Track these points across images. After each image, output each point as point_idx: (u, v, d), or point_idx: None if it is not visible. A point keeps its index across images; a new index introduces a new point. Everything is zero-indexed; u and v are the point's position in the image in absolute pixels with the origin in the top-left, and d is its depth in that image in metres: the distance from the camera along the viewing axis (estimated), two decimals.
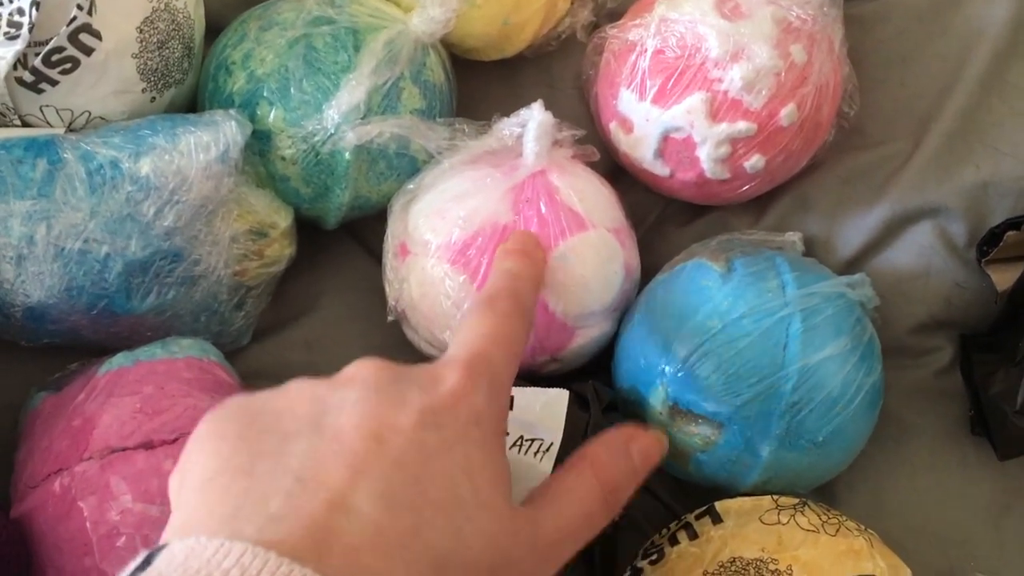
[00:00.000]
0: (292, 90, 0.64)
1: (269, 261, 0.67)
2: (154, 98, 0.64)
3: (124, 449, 0.57)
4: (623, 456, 0.52)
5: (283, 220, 0.66)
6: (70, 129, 0.62)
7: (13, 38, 0.57)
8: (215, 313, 0.66)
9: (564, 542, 0.47)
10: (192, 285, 0.63)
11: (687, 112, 0.65)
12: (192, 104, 0.70)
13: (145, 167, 0.59)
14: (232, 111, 0.63)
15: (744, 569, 0.58)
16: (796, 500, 0.62)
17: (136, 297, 0.61)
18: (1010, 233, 0.68)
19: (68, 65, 0.59)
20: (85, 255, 0.59)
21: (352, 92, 0.64)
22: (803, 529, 0.60)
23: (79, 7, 0.57)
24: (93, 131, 0.61)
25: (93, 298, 0.60)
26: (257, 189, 0.66)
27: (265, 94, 0.65)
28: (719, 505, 0.63)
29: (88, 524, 0.55)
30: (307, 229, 0.71)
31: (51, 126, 0.61)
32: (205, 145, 0.61)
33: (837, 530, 0.60)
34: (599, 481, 0.49)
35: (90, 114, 0.62)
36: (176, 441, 0.57)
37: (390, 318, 0.68)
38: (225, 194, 0.62)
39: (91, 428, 0.57)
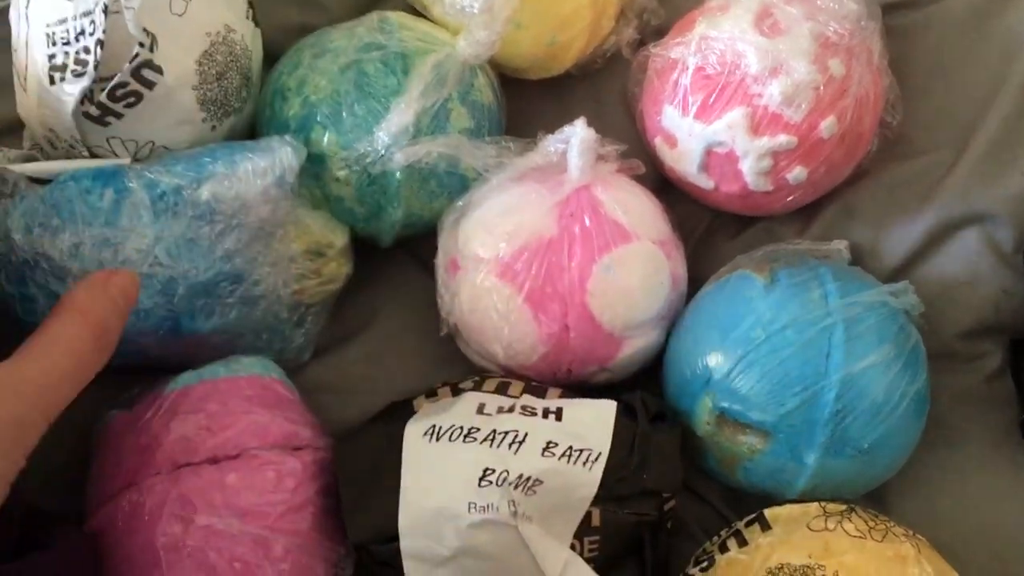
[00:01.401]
0: (344, 114, 0.66)
1: (327, 279, 0.69)
2: (214, 127, 0.67)
3: (190, 464, 0.59)
4: (104, 296, 0.53)
5: (339, 239, 0.69)
6: (135, 159, 0.65)
7: (80, 75, 0.60)
8: (276, 331, 0.68)
9: (57, 386, 0.49)
10: (253, 305, 0.65)
11: (728, 127, 0.66)
12: (251, 130, 0.72)
13: (206, 193, 0.61)
14: (287, 137, 0.65)
15: (791, 575, 0.59)
16: (844, 507, 0.63)
17: (200, 318, 0.63)
18: None
19: (132, 99, 0.62)
20: (151, 279, 0.61)
21: (402, 114, 0.66)
22: (850, 535, 0.61)
23: (141, 44, 0.60)
24: (157, 160, 0.63)
25: (159, 320, 0.62)
26: (313, 211, 0.68)
27: (319, 119, 0.67)
28: (768, 512, 0.64)
29: (156, 538, 0.57)
30: (364, 247, 0.73)
31: (117, 156, 0.64)
32: (262, 171, 0.63)
33: (884, 536, 0.61)
34: (87, 323, 0.51)
35: (154, 144, 0.65)
36: (239, 456, 0.60)
37: (443, 332, 0.70)
38: (282, 216, 0.64)
39: (158, 445, 0.60)
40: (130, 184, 0.61)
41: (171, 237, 0.61)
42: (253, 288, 0.64)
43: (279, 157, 0.64)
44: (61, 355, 0.50)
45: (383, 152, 0.66)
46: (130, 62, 0.60)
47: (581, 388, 0.69)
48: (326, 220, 0.68)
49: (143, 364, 0.65)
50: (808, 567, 0.59)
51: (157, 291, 0.62)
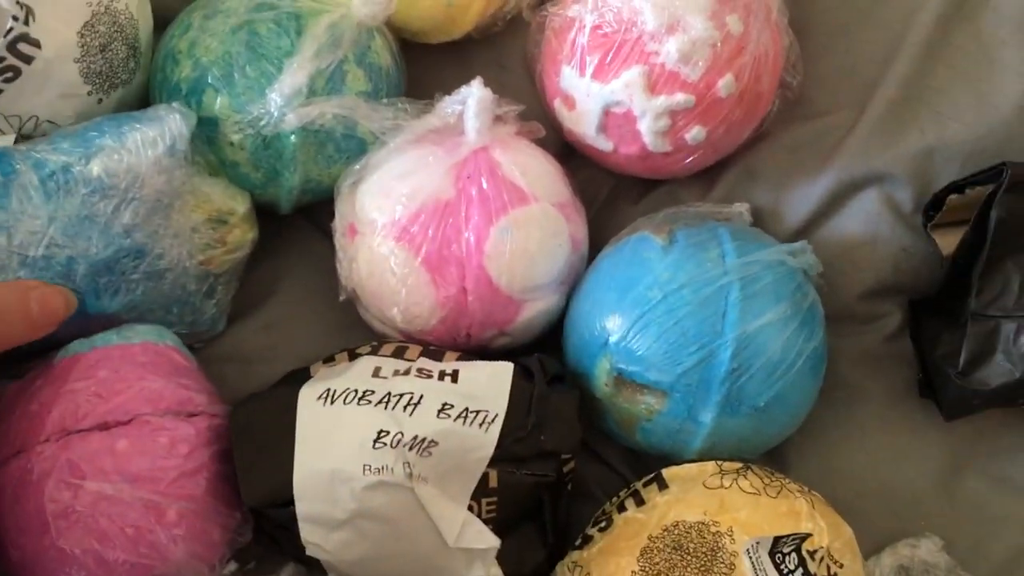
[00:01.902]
0: (236, 76, 0.65)
1: (232, 247, 0.68)
2: (101, 99, 0.65)
3: (80, 431, 0.58)
4: (18, 290, 0.55)
5: (240, 205, 0.67)
6: (21, 135, 0.63)
7: None
8: (186, 304, 0.67)
9: None
10: (159, 279, 0.64)
11: (625, 86, 0.65)
12: (144, 101, 0.70)
13: (96, 168, 0.60)
14: (175, 104, 0.64)
15: (687, 532, 0.59)
16: (739, 465, 0.63)
17: (105, 296, 0.62)
18: (952, 197, 0.69)
19: (10, 74, 0.61)
20: (49, 260, 0.60)
21: (294, 75, 0.65)
22: (745, 492, 0.61)
23: (14, 18, 0.59)
24: (44, 138, 0.62)
25: None
26: (210, 178, 0.67)
27: (210, 81, 0.66)
28: (666, 472, 0.64)
29: (46, 504, 0.57)
30: (264, 215, 0.71)
31: (2, 132, 0.63)
32: (152, 140, 0.62)
33: (778, 492, 0.61)
34: None
35: (38, 119, 0.63)
36: (131, 422, 0.59)
37: (342, 297, 0.69)
38: (178, 186, 0.63)
39: (47, 411, 0.59)
40: (16, 166, 0.60)
41: (65, 216, 0.60)
42: (157, 262, 0.63)
43: (168, 125, 0.63)
44: None
45: (275, 114, 0.65)
46: (3, 36, 0.59)
47: (481, 353, 0.68)
48: (225, 187, 0.67)
49: (49, 347, 0.63)
50: (703, 524, 0.59)
51: (58, 273, 0.60)
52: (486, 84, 0.67)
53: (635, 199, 0.76)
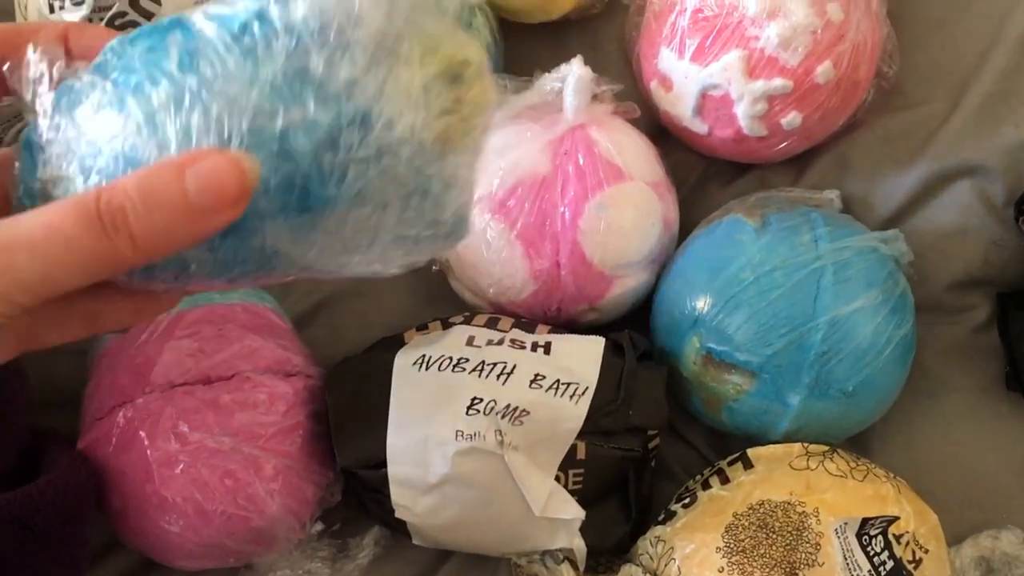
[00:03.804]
0: None
1: (471, 111, 0.47)
2: None
3: (184, 384, 0.60)
4: (170, 171, 0.39)
5: (475, 54, 0.47)
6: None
7: (79, 3, 0.60)
8: (426, 194, 0.46)
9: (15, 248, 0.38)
10: (394, 156, 0.44)
11: (724, 69, 0.66)
12: None
13: (300, 10, 0.43)
14: None
15: (772, 511, 0.60)
16: (826, 448, 0.64)
17: (332, 182, 0.44)
18: None
19: (130, 30, 0.58)
20: (259, 135, 0.43)
21: None
22: (831, 475, 0.61)
23: None
24: None
25: (284, 189, 0.43)
26: (435, 16, 0.47)
27: None
28: (751, 452, 0.64)
29: (148, 452, 0.58)
30: None
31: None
32: None
33: (865, 476, 0.62)
34: (96, 201, 0.38)
35: None
36: (232, 378, 0.61)
37: (435, 268, 0.70)
38: (401, 25, 0.44)
39: (153, 365, 0.61)
40: (197, 26, 0.44)
41: (270, 76, 0.43)
42: (387, 133, 0.44)
43: None
44: (37, 226, 0.38)
45: None
46: None
47: (569, 327, 0.69)
48: (454, 30, 0.47)
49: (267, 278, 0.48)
50: (789, 503, 0.60)
51: (272, 152, 0.43)
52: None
53: (725, 182, 0.76)
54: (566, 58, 0.71)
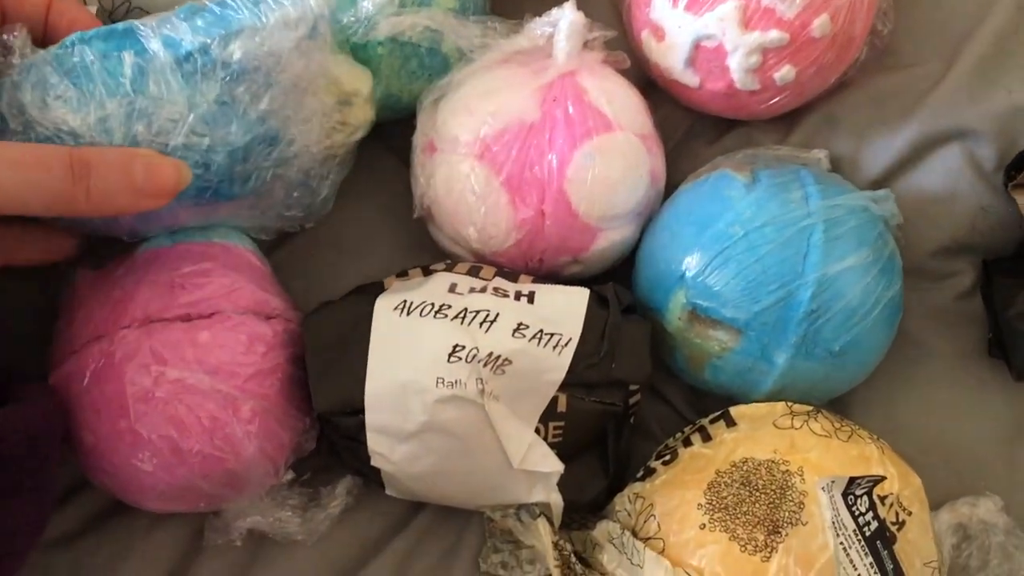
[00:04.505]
0: None
1: (353, 128, 0.65)
2: None
3: (163, 319, 0.58)
4: (124, 156, 0.52)
5: (364, 86, 0.64)
6: (110, 14, 0.62)
7: None
8: (306, 187, 0.64)
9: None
10: (287, 165, 0.61)
11: (719, 19, 0.64)
12: None
13: (236, 51, 0.56)
14: None
15: (756, 469, 0.59)
16: (810, 408, 0.63)
17: (238, 184, 0.59)
18: None
19: None
20: (189, 149, 0.56)
21: None
22: (816, 434, 0.61)
23: None
24: (170, 14, 0.57)
25: (199, 190, 0.58)
26: (336, 56, 0.63)
27: None
28: (733, 410, 0.64)
29: (126, 387, 0.57)
30: None
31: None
32: (294, 22, 0.57)
33: (849, 437, 0.61)
34: (67, 152, 0.50)
35: (130, 2, 0.62)
36: (212, 316, 0.59)
37: (416, 215, 0.69)
38: (315, 69, 0.60)
39: (130, 299, 0.59)
40: (149, 46, 0.55)
41: (205, 103, 0.55)
42: (287, 149, 0.60)
43: (310, 4, 0.58)
44: (22, 152, 0.49)
45: (366, 21, 0.64)
46: None
47: (551, 280, 0.68)
48: (350, 66, 0.64)
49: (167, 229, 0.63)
50: (773, 462, 0.59)
51: (197, 162, 0.56)
52: None
53: (711, 140, 0.75)
54: (553, 3, 0.70)
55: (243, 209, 0.63)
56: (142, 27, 0.55)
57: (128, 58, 0.54)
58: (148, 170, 0.52)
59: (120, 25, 0.55)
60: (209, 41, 0.55)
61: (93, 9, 0.61)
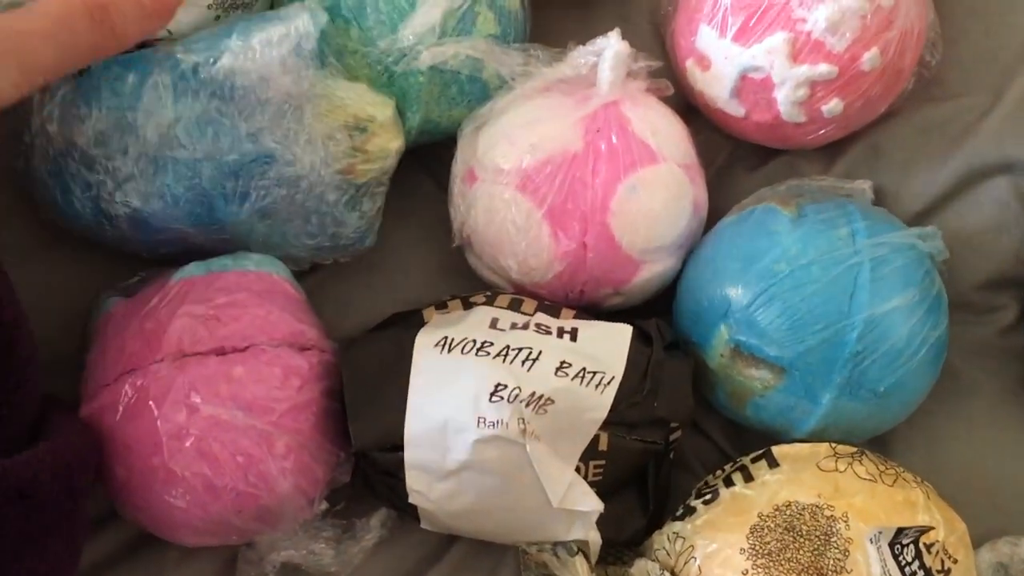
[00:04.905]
0: (368, 8, 0.63)
1: (374, 156, 0.64)
2: (218, 16, 0.63)
3: (197, 353, 0.58)
4: None
5: (381, 112, 0.64)
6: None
7: None
8: (326, 215, 0.64)
9: (33, 37, 0.49)
10: (293, 187, 0.61)
11: (768, 52, 0.63)
12: None
13: (222, 69, 0.58)
14: (308, 2, 0.62)
15: (800, 514, 0.58)
16: (854, 449, 0.62)
17: (234, 202, 0.61)
18: None
19: None
20: (176, 162, 0.59)
21: (428, 13, 0.63)
22: (860, 478, 0.60)
23: None
24: (184, 39, 0.60)
25: (191, 205, 0.60)
26: (348, 82, 0.64)
27: (342, 11, 0.64)
28: (776, 450, 0.62)
29: (159, 424, 0.56)
30: None
31: None
32: (277, 40, 0.59)
33: (894, 480, 0.60)
34: (84, 2, 0.50)
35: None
36: (247, 349, 0.58)
37: (455, 244, 0.68)
38: (308, 89, 0.61)
39: (163, 332, 0.58)
40: (153, 66, 0.59)
41: (191, 117, 0.59)
42: (287, 168, 0.61)
43: (295, 24, 0.60)
44: (49, 23, 0.49)
45: (407, 51, 0.63)
46: None
47: (592, 311, 0.67)
48: (363, 92, 0.64)
49: (189, 254, 0.64)
50: (817, 507, 0.58)
51: (184, 175, 0.59)
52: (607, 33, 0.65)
53: (753, 166, 0.74)
54: (593, 28, 0.69)
55: (255, 235, 0.63)
56: (156, 51, 0.59)
57: (131, 77, 0.58)
58: None
59: (145, 50, 0.60)
60: (200, 60, 0.58)
61: None
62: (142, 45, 0.60)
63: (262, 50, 0.59)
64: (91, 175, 0.59)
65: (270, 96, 0.59)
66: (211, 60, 0.58)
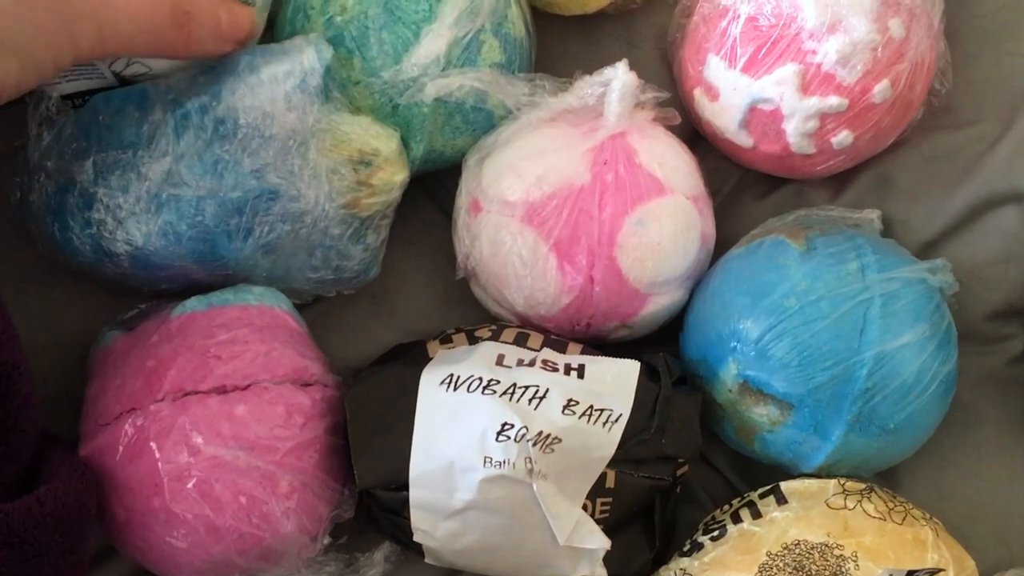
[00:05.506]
0: (371, 39, 0.63)
1: (379, 190, 0.63)
2: None
3: (197, 392, 0.57)
4: (211, 4, 0.56)
5: (386, 146, 0.63)
6: (113, 72, 0.61)
7: None
8: (331, 248, 0.64)
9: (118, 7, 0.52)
10: (296, 222, 0.61)
11: (777, 83, 0.63)
12: None
13: (223, 107, 0.58)
14: (312, 36, 0.61)
15: (809, 553, 0.57)
16: (863, 485, 0.61)
17: (238, 239, 0.60)
18: None
19: None
20: (179, 200, 0.58)
21: (432, 43, 0.62)
22: (869, 516, 0.59)
23: None
24: (184, 76, 0.60)
25: (194, 242, 0.59)
26: (353, 116, 0.63)
27: (345, 42, 0.63)
28: (784, 486, 0.62)
29: (160, 465, 0.55)
30: None
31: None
32: (282, 76, 0.59)
33: (904, 518, 0.59)
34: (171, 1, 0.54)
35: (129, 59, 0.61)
36: (248, 388, 0.57)
37: (459, 275, 0.67)
38: (312, 125, 0.60)
39: (164, 370, 0.57)
40: (155, 104, 0.58)
41: (193, 155, 0.58)
42: (292, 204, 0.60)
43: (300, 60, 0.59)
44: (136, 3, 0.52)
45: (412, 83, 0.62)
46: None
47: (597, 343, 0.66)
48: (368, 126, 0.63)
49: (191, 290, 0.63)
50: (826, 546, 0.57)
51: (187, 213, 0.58)
52: (613, 62, 0.64)
53: (760, 195, 0.73)
54: (599, 53, 0.68)
55: (259, 269, 0.63)
56: (156, 87, 0.60)
57: (132, 114, 0.59)
58: (230, 17, 0.57)
59: (139, 87, 0.60)
60: (203, 99, 0.58)
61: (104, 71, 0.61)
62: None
63: (267, 86, 0.58)
64: (91, 213, 0.59)
65: (275, 132, 0.58)
66: (215, 96, 0.58)
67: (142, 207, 0.58)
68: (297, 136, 0.59)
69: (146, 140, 0.58)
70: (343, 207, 0.62)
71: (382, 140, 0.63)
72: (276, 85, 0.58)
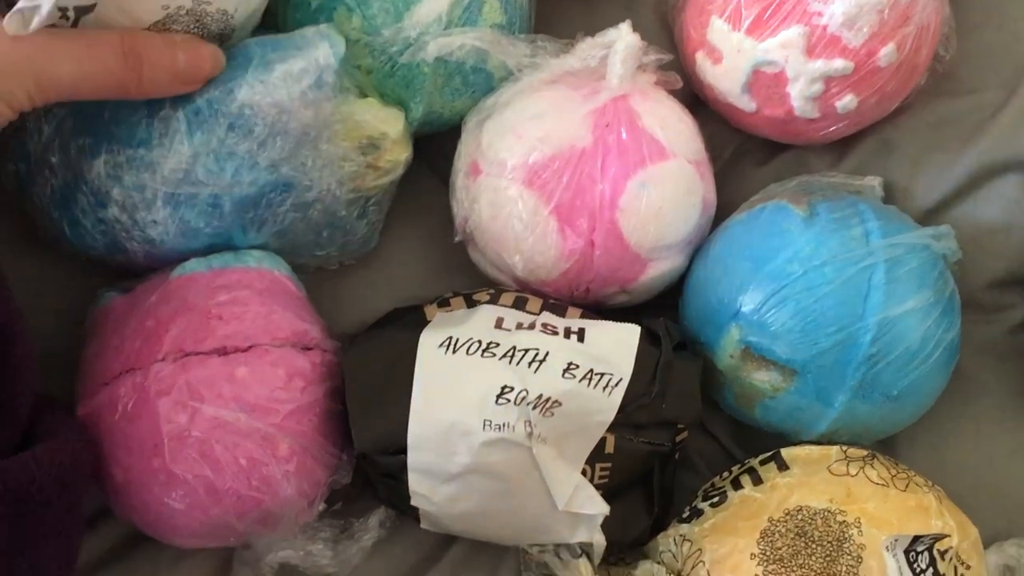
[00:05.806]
0: None
1: (385, 170, 0.64)
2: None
3: (198, 353, 0.56)
4: (168, 45, 0.54)
5: (393, 128, 0.63)
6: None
7: None
8: (337, 227, 0.64)
9: (58, 60, 0.50)
10: (308, 209, 0.61)
11: (782, 46, 0.62)
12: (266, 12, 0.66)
13: (239, 103, 0.57)
14: (323, 27, 0.60)
15: (811, 519, 0.57)
16: (865, 452, 0.61)
17: (252, 230, 0.60)
18: None
19: None
20: (195, 199, 0.58)
21: (434, 1, 0.61)
22: (872, 483, 0.59)
23: None
24: None
25: (210, 237, 0.60)
26: (361, 101, 0.62)
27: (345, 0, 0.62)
28: (785, 452, 0.61)
29: (160, 424, 0.55)
30: None
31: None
32: (298, 74, 0.57)
33: (907, 485, 0.59)
34: (120, 39, 0.51)
35: None
36: (249, 349, 0.57)
37: (457, 238, 0.66)
38: (327, 118, 0.59)
39: (165, 330, 0.56)
40: (165, 101, 0.57)
41: (208, 153, 0.57)
42: (305, 194, 0.60)
43: (316, 56, 0.58)
44: (80, 45, 0.50)
45: (413, 41, 0.61)
46: None
47: (596, 309, 0.65)
48: (377, 109, 0.63)
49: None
50: (829, 512, 0.57)
51: (204, 211, 0.58)
52: (612, 24, 0.63)
53: (761, 160, 0.72)
54: (596, 15, 0.67)
55: (268, 249, 0.63)
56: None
57: (142, 111, 0.57)
58: (189, 58, 0.55)
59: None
60: (215, 95, 0.57)
61: None
62: None
63: (282, 84, 0.57)
64: (106, 212, 0.58)
65: (291, 128, 0.58)
66: (227, 94, 0.57)
67: (159, 206, 0.58)
68: (311, 130, 0.59)
69: (158, 137, 0.57)
70: (351, 190, 0.62)
71: (389, 123, 0.63)
72: (292, 83, 0.57)
